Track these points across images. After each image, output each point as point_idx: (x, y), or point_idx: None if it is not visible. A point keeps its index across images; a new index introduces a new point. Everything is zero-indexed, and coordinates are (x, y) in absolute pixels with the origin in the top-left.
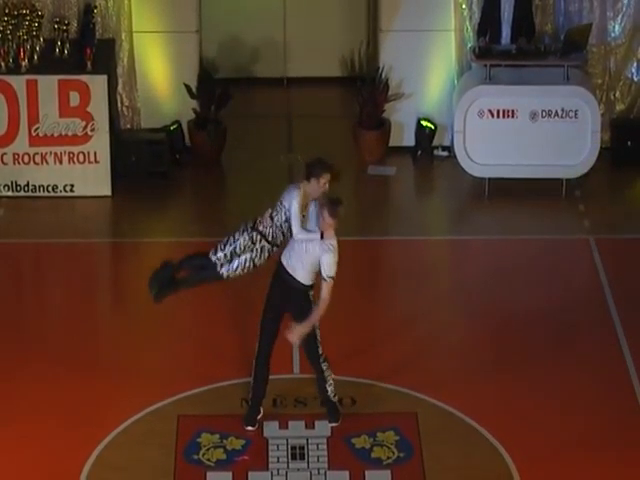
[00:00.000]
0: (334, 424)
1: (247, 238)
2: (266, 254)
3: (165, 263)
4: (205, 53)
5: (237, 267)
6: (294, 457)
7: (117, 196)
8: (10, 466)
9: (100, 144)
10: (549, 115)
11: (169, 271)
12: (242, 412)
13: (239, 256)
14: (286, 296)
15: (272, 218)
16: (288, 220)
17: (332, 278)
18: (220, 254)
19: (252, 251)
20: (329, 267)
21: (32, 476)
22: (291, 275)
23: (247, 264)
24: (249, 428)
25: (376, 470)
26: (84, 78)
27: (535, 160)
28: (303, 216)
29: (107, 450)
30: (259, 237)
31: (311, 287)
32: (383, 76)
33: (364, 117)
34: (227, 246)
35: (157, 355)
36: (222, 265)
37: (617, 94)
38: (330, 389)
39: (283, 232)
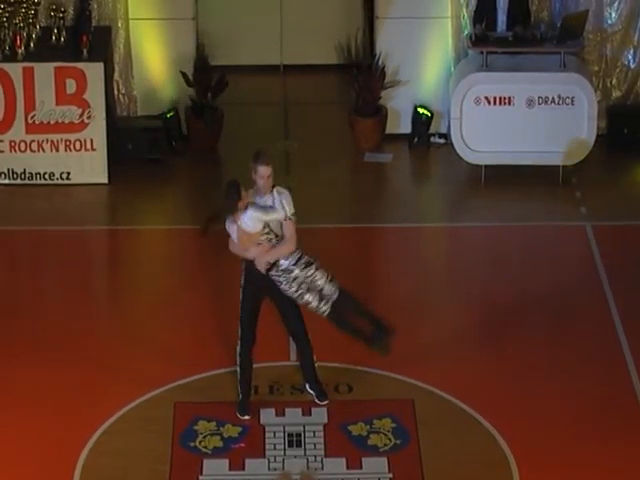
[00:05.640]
0: (325, 402)
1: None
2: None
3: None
4: (202, 40)
5: (331, 282)
6: (291, 444)
7: (113, 183)
8: (7, 452)
9: (96, 131)
10: (545, 102)
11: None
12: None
13: (319, 278)
14: (262, 287)
15: (270, 240)
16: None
17: (294, 215)
18: (318, 304)
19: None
20: (289, 206)
21: (29, 463)
22: None
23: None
24: (245, 417)
25: (373, 457)
26: (80, 65)
27: (531, 147)
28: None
29: (104, 437)
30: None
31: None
32: (379, 63)
33: (360, 104)
34: (311, 297)
35: (154, 342)
36: (328, 300)
37: (613, 81)
38: (315, 365)
39: (274, 233)
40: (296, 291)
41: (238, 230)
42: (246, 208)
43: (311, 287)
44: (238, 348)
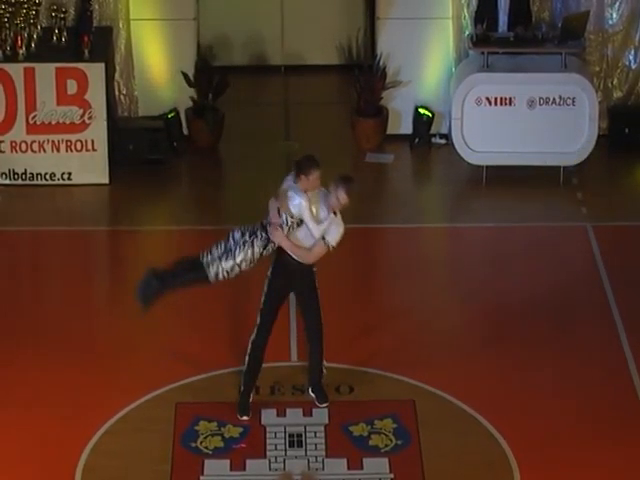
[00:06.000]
0: (325, 404)
1: (249, 234)
2: (261, 249)
3: (150, 272)
4: (203, 41)
5: (230, 267)
6: (292, 445)
7: (114, 184)
8: (8, 453)
9: (97, 132)
10: (547, 102)
11: (154, 281)
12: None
13: (235, 256)
14: (290, 281)
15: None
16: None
17: (332, 247)
18: (215, 253)
19: (251, 247)
20: (335, 236)
21: (31, 463)
22: (296, 260)
23: (243, 264)
24: (245, 418)
25: (374, 458)
26: (81, 66)
27: (533, 147)
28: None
29: (105, 437)
30: (263, 233)
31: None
32: (380, 64)
33: (361, 105)
34: (222, 245)
35: (155, 343)
36: (211, 265)
37: (614, 81)
38: (324, 370)
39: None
40: (233, 236)
41: (283, 192)
42: (304, 194)
43: (228, 249)
44: (253, 337)
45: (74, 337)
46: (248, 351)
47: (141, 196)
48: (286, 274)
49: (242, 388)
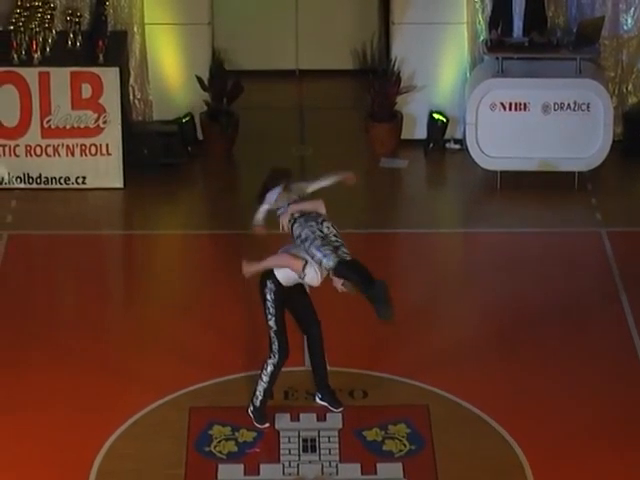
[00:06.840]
0: (340, 409)
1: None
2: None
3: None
4: (217, 45)
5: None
6: (305, 449)
7: (129, 188)
8: (22, 457)
9: (112, 136)
10: (561, 108)
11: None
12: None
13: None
14: (291, 295)
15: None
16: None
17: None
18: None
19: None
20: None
21: (44, 466)
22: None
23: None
24: (266, 425)
25: (388, 463)
26: (96, 70)
27: (547, 153)
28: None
29: (119, 441)
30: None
31: None
32: (395, 69)
33: (376, 109)
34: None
35: (169, 347)
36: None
37: (629, 87)
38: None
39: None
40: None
41: None
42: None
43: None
44: (275, 361)
45: (88, 341)
46: (269, 373)
47: (155, 200)
48: (290, 293)
49: (260, 401)
